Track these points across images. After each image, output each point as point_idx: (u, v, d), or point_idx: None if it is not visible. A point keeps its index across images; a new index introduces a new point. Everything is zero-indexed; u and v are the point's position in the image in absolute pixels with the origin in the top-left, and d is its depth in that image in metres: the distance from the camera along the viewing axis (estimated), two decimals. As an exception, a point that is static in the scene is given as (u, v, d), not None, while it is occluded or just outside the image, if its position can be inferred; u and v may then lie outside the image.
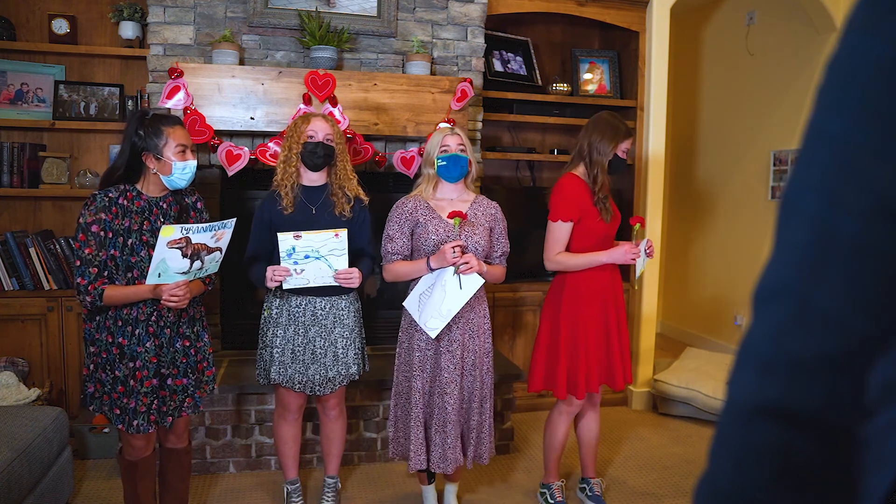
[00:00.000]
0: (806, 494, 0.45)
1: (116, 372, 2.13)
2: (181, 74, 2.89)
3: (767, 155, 4.49)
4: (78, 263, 2.07)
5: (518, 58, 4.02)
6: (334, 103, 3.02)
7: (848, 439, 0.43)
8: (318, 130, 2.44)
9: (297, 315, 2.48)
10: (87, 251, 2.07)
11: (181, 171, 2.15)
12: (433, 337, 2.39)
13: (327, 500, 2.72)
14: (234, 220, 2.20)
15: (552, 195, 2.57)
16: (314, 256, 2.36)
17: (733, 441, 0.48)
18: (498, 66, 3.90)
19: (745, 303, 4.48)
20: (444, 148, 2.45)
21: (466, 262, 2.32)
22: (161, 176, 2.16)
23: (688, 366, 3.97)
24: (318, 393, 2.53)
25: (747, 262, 4.64)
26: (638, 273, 2.65)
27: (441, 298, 2.37)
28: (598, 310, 2.57)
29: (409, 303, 2.45)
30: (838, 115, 0.45)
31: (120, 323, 2.13)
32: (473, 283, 2.36)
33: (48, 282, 3.27)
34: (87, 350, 2.17)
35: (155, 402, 2.18)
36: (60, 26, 3.36)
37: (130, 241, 2.12)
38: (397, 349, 2.56)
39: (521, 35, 4.08)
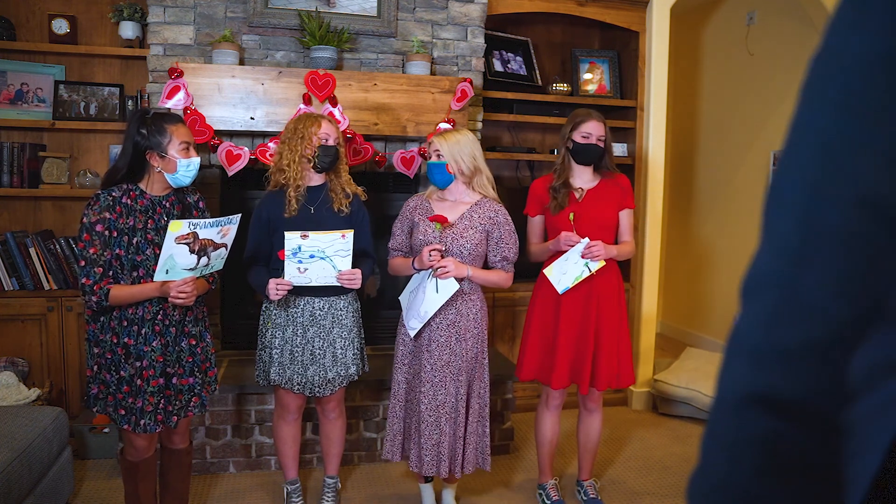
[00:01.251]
0: (796, 483, 0.46)
1: (122, 372, 2.13)
2: (181, 74, 2.89)
3: (767, 155, 4.48)
4: (82, 263, 2.07)
5: (518, 58, 4.02)
6: (334, 103, 3.02)
7: (835, 426, 0.44)
8: (330, 134, 2.47)
9: (295, 315, 2.48)
10: (91, 251, 2.06)
11: (186, 168, 2.16)
12: (412, 336, 2.46)
13: (327, 500, 2.72)
14: (239, 215, 2.21)
15: None
16: (319, 256, 2.36)
17: (726, 434, 0.49)
18: (498, 66, 3.90)
19: (745, 303, 4.48)
20: (430, 154, 2.49)
21: (443, 267, 2.34)
22: (165, 174, 2.16)
23: (688, 366, 3.98)
24: (317, 394, 2.52)
25: (747, 261, 4.62)
26: (570, 277, 2.49)
27: (421, 300, 2.41)
28: (551, 302, 2.61)
29: (403, 298, 2.55)
30: (822, 109, 0.46)
31: (125, 323, 2.13)
32: (449, 287, 2.38)
33: (48, 282, 3.27)
34: (91, 351, 2.16)
35: (162, 401, 2.18)
36: (60, 26, 3.36)
37: (135, 239, 2.11)
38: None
39: (521, 35, 4.08)
